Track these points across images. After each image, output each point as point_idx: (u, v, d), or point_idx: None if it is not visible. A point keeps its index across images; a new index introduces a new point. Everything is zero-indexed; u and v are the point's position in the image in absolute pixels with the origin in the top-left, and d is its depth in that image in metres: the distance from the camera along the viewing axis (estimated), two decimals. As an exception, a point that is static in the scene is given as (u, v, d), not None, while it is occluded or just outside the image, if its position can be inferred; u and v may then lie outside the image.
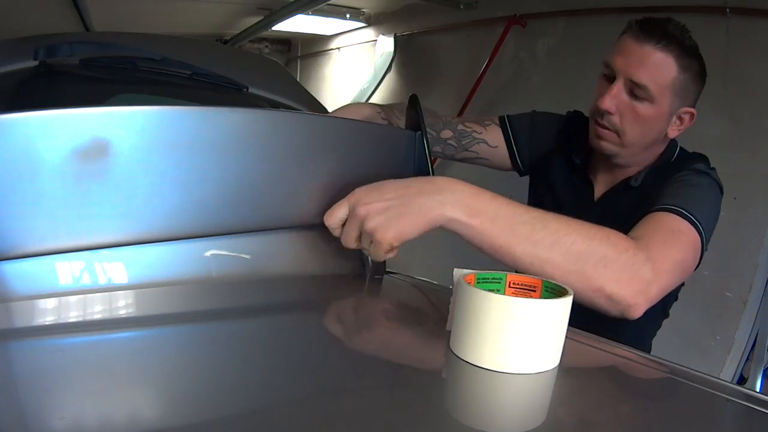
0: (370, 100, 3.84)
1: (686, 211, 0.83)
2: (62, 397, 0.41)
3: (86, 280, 0.60)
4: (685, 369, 0.55)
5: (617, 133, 0.97)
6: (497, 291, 0.60)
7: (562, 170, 1.12)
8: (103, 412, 0.39)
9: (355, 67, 4.27)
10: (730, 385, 0.53)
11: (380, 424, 0.41)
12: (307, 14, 3.52)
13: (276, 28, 3.80)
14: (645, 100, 0.94)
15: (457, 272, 0.58)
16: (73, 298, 0.59)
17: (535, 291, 0.60)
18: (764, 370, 1.84)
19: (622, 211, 0.95)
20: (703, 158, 1.03)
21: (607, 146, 0.99)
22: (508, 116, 1.19)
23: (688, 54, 0.95)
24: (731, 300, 1.89)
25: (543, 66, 2.73)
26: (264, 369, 0.50)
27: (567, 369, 0.53)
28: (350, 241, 0.68)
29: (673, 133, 0.99)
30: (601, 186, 1.07)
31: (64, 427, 0.37)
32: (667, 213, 0.83)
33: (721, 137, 1.96)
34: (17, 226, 0.54)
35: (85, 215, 0.57)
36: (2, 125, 0.51)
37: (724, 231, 1.92)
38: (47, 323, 0.56)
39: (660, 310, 1.06)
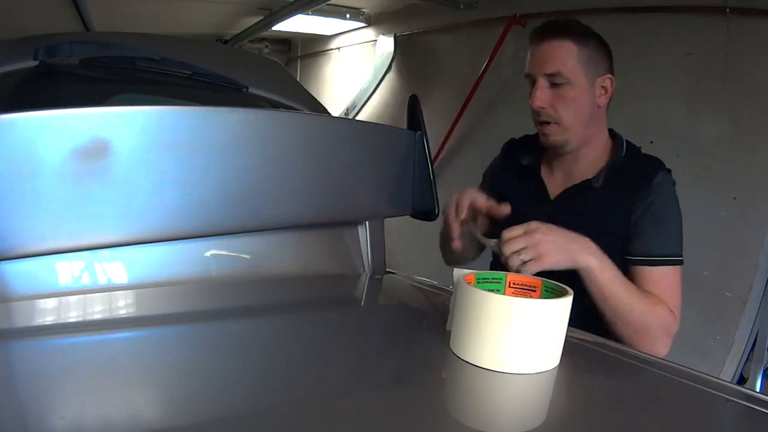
0: (370, 100, 3.84)
1: (675, 256, 1.03)
2: (62, 397, 0.41)
3: (86, 280, 0.60)
4: (685, 369, 0.55)
5: (557, 122, 1.08)
6: (497, 291, 0.60)
7: (513, 180, 1.22)
8: (103, 412, 0.39)
9: (355, 67, 4.27)
10: (730, 385, 0.53)
11: (380, 424, 0.41)
12: (307, 14, 3.52)
13: (276, 28, 3.80)
14: (564, 83, 1.06)
15: (457, 272, 0.58)
16: (73, 298, 0.59)
17: (535, 291, 0.60)
18: (764, 370, 1.84)
19: (582, 210, 1.09)
20: (655, 160, 1.13)
21: (555, 138, 1.09)
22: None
23: (581, 33, 1.08)
24: (731, 300, 1.89)
25: (543, 66, 2.73)
26: (264, 369, 0.50)
27: (567, 369, 0.53)
28: (512, 249, 0.85)
29: (602, 101, 1.10)
30: (555, 186, 1.16)
31: (64, 427, 0.37)
32: (666, 267, 1.03)
33: (721, 137, 1.96)
34: (17, 226, 0.54)
35: (85, 215, 0.57)
36: (2, 125, 0.51)
37: (724, 231, 1.93)
38: (47, 323, 0.56)
39: None
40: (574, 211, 1.08)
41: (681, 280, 1.04)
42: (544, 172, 1.17)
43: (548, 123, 1.08)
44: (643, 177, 1.06)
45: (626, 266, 1.03)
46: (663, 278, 1.02)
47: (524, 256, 0.84)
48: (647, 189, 1.05)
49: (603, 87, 1.09)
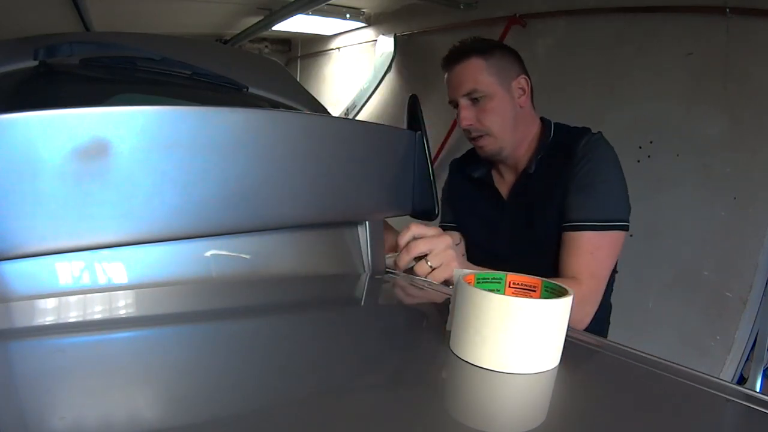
0: (370, 100, 3.84)
1: (598, 221, 1.02)
2: (62, 397, 0.41)
3: (86, 280, 0.60)
4: (685, 369, 0.55)
5: (487, 134, 1.15)
6: (497, 291, 0.60)
7: (470, 195, 1.29)
8: (103, 412, 0.39)
9: (355, 67, 4.27)
10: (730, 385, 0.53)
11: (380, 424, 0.41)
12: (307, 14, 3.52)
13: (276, 28, 3.80)
14: (482, 97, 1.14)
15: (458, 272, 0.58)
16: (73, 298, 0.59)
17: (535, 291, 0.60)
18: (764, 370, 1.84)
19: (528, 201, 1.14)
20: (580, 129, 1.16)
21: (490, 149, 1.17)
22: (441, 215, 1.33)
23: (483, 46, 1.15)
24: (731, 300, 1.89)
25: (543, 66, 2.73)
26: (264, 369, 0.50)
27: (567, 369, 0.53)
28: (413, 254, 0.87)
29: (523, 101, 1.16)
30: (505, 187, 1.22)
31: (64, 427, 0.37)
32: (583, 232, 1.02)
33: (721, 137, 1.96)
34: (17, 226, 0.54)
35: (85, 215, 0.57)
36: (2, 125, 0.51)
37: (724, 231, 1.93)
38: (47, 323, 0.56)
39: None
40: (523, 205, 1.15)
41: (615, 247, 1.04)
42: (495, 179, 1.24)
43: (480, 136, 1.16)
44: (567, 149, 1.10)
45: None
46: (582, 243, 1.02)
47: (433, 262, 0.86)
48: (572, 158, 1.08)
49: (520, 88, 1.16)
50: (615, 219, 1.04)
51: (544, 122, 1.21)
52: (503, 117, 1.14)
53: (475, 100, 1.15)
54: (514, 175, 1.21)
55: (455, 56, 1.18)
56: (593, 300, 1.02)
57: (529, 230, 1.13)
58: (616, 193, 1.06)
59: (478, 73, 1.13)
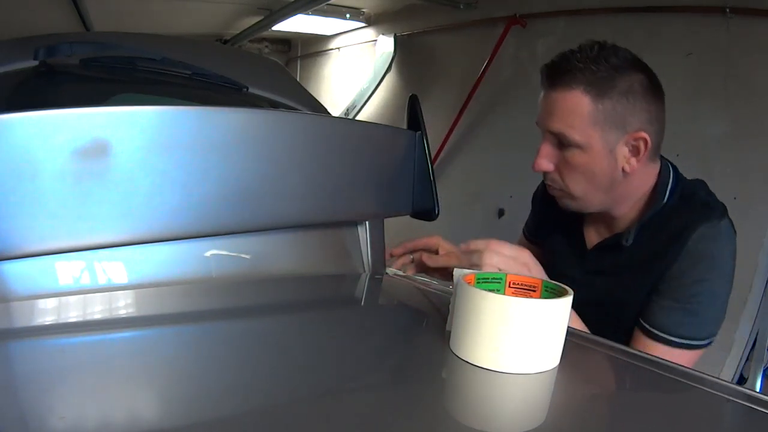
0: (370, 100, 3.84)
1: (683, 338, 0.80)
2: (62, 397, 0.41)
3: (86, 280, 0.60)
4: (685, 369, 0.55)
5: (564, 189, 0.88)
6: (497, 291, 0.60)
7: (555, 227, 1.03)
8: (103, 412, 0.39)
9: (355, 67, 4.27)
10: (730, 385, 0.53)
11: (380, 424, 0.41)
12: (307, 14, 3.52)
13: (276, 28, 3.80)
14: (571, 146, 0.83)
15: (458, 272, 0.58)
16: (73, 298, 0.59)
17: (535, 291, 0.60)
18: (764, 370, 1.83)
19: (613, 270, 0.90)
20: (706, 208, 0.85)
21: (565, 203, 0.91)
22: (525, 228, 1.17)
23: (603, 76, 0.80)
24: (731, 300, 1.89)
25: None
26: (264, 369, 0.50)
27: (567, 369, 0.53)
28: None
29: (631, 167, 0.84)
30: (594, 236, 0.97)
31: (64, 427, 0.37)
32: (657, 344, 0.81)
33: (721, 137, 1.96)
34: (17, 226, 0.54)
35: (85, 215, 0.57)
36: (2, 125, 0.51)
37: (724, 231, 1.93)
38: (47, 323, 0.56)
39: None
40: (604, 268, 0.91)
41: (688, 363, 0.80)
42: (585, 222, 0.98)
43: (555, 188, 0.89)
44: (678, 231, 0.82)
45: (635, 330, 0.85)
46: (652, 351, 0.78)
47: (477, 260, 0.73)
48: (680, 247, 0.81)
49: (633, 147, 0.83)
50: (702, 338, 0.81)
51: (662, 176, 0.88)
52: (592, 180, 0.84)
53: (562, 144, 0.84)
54: (608, 231, 0.94)
55: (557, 76, 0.82)
56: None
57: (605, 294, 0.88)
58: (715, 309, 0.83)
59: (577, 116, 0.80)
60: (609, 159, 0.83)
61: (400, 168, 0.88)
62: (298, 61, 5.15)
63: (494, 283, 0.61)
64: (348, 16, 3.82)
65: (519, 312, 0.49)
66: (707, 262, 0.81)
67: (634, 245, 0.87)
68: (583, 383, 0.55)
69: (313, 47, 4.84)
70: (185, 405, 0.43)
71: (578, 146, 0.82)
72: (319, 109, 1.36)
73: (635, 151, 0.83)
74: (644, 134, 0.82)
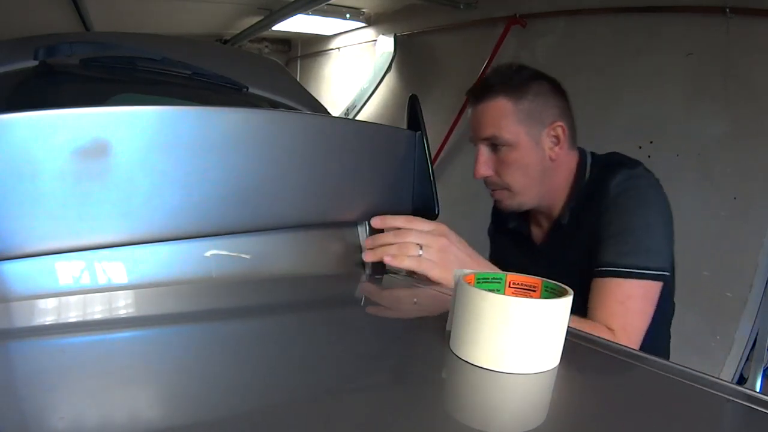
0: (370, 100, 3.84)
1: (629, 267, 0.88)
2: (62, 397, 0.41)
3: (86, 280, 0.60)
4: (685, 369, 0.55)
5: (507, 188, 1.00)
6: (497, 291, 0.60)
7: (508, 239, 1.16)
8: (103, 412, 0.39)
9: (355, 67, 4.27)
10: (730, 385, 0.53)
11: (380, 424, 0.41)
12: (307, 14, 3.53)
13: (276, 28, 3.81)
14: (504, 146, 0.97)
15: (458, 272, 0.58)
16: (73, 298, 0.59)
17: (535, 291, 0.60)
18: (764, 370, 1.84)
19: (562, 253, 1.00)
20: (619, 164, 0.98)
21: (507, 204, 1.03)
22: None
23: (517, 84, 0.97)
24: (731, 300, 1.89)
25: (543, 66, 2.73)
26: (264, 369, 0.50)
27: (567, 369, 0.53)
28: (408, 238, 0.79)
29: (555, 152, 0.99)
30: (539, 233, 1.09)
31: (64, 427, 0.37)
32: (612, 279, 0.88)
33: (721, 137, 1.96)
34: (17, 226, 0.54)
35: (85, 215, 0.57)
36: (2, 125, 0.51)
37: (724, 231, 1.93)
38: (47, 323, 0.56)
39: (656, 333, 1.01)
40: (557, 255, 1.01)
41: (650, 299, 0.89)
42: (532, 224, 1.10)
43: (497, 189, 1.02)
44: (600, 191, 0.95)
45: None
46: (611, 291, 0.88)
47: (427, 254, 0.78)
48: (605, 201, 0.94)
49: (554, 137, 0.99)
50: (649, 267, 0.89)
51: (581, 160, 1.03)
52: (527, 172, 0.98)
53: (495, 147, 0.99)
54: (549, 223, 1.06)
55: (481, 92, 0.99)
56: (630, 343, 0.85)
57: (561, 277, 0.97)
58: (653, 238, 0.91)
59: (503, 118, 0.96)
60: (537, 150, 0.98)
61: (400, 168, 0.88)
62: (298, 61, 5.15)
63: (494, 283, 0.61)
64: (348, 16, 3.82)
65: (519, 312, 0.49)
66: (631, 201, 0.92)
67: (572, 223, 0.99)
68: (583, 383, 0.55)
69: (313, 47, 4.84)
70: (185, 405, 0.43)
71: (509, 144, 0.97)
72: (319, 109, 1.36)
73: (556, 140, 0.99)
74: (560, 123, 0.99)
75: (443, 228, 0.81)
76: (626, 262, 0.88)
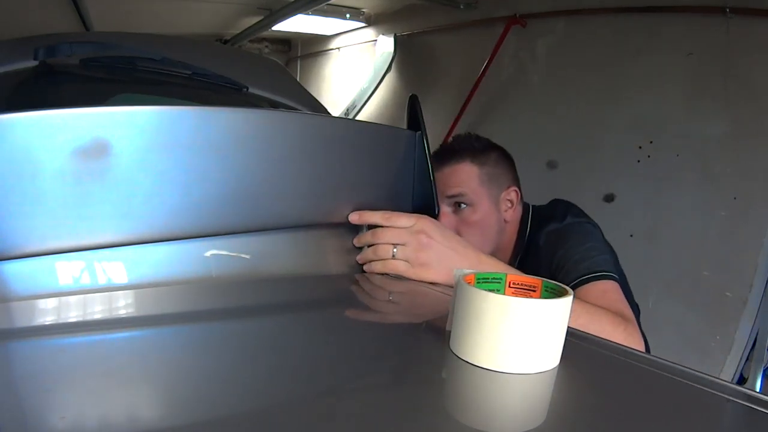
0: (370, 100, 3.84)
1: (591, 273, 0.96)
2: (62, 397, 0.41)
3: (86, 280, 0.60)
4: (685, 369, 0.55)
5: None
6: (497, 291, 0.60)
7: None
8: (103, 412, 0.39)
9: (355, 67, 4.27)
10: (730, 385, 0.53)
11: (380, 424, 0.41)
12: (307, 14, 3.53)
13: (276, 28, 3.81)
14: (466, 205, 1.08)
15: (458, 272, 0.58)
16: (73, 298, 0.59)
17: (535, 291, 0.60)
18: (764, 370, 1.84)
19: None
20: (549, 216, 1.09)
21: None
22: None
23: (480, 151, 1.10)
24: (731, 300, 1.89)
25: (543, 66, 2.73)
26: (264, 369, 0.50)
27: (567, 369, 0.53)
28: (385, 239, 0.80)
29: (509, 216, 1.12)
30: None
31: (64, 427, 0.37)
32: (582, 286, 0.96)
33: (721, 137, 1.96)
34: (17, 226, 0.54)
35: (85, 215, 0.57)
36: (2, 125, 0.51)
37: (724, 231, 1.93)
38: (47, 323, 0.56)
39: None
40: None
41: (617, 291, 0.97)
42: None
43: None
44: (536, 247, 1.07)
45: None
46: (587, 292, 0.94)
47: (402, 254, 0.76)
48: (540, 255, 1.05)
49: (509, 200, 1.11)
50: (605, 270, 0.97)
51: (523, 216, 1.15)
52: (484, 231, 1.09)
53: (458, 206, 1.09)
54: None
55: (447, 156, 1.10)
56: (638, 336, 0.88)
57: None
58: (597, 252, 1.00)
59: (469, 180, 1.08)
60: (495, 212, 1.10)
61: (400, 168, 0.89)
62: (298, 61, 5.15)
63: (494, 283, 0.61)
64: (348, 16, 3.82)
65: (519, 312, 0.49)
66: (559, 245, 1.03)
67: (520, 265, 1.08)
68: (583, 383, 0.55)
69: (313, 47, 4.84)
70: (185, 405, 0.43)
71: (472, 204, 1.08)
72: (319, 109, 1.36)
73: (511, 204, 1.13)
74: (515, 187, 1.13)
75: (423, 223, 0.78)
76: (586, 270, 0.97)
